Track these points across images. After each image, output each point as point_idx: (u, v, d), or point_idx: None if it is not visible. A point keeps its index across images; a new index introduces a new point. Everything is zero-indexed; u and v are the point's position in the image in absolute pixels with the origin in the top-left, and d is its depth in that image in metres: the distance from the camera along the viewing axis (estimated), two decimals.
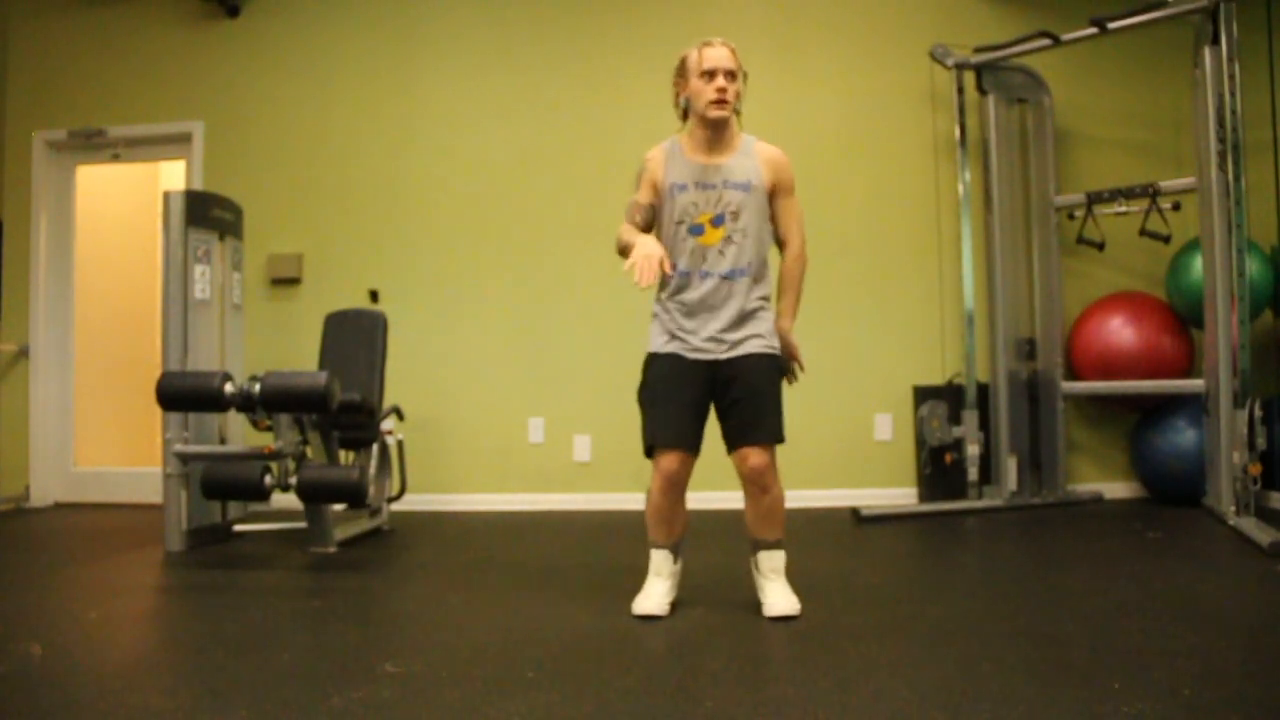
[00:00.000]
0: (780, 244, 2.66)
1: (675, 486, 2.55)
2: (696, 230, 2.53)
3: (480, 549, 3.81)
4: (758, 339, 2.55)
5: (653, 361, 2.60)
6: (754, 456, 2.50)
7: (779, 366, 2.61)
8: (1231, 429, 3.83)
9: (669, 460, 2.52)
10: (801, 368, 2.70)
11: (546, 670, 2.13)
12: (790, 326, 2.68)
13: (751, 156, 2.57)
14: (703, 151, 2.56)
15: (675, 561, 2.66)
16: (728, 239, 2.52)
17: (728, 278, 2.52)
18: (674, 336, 2.56)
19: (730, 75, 2.50)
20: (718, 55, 2.49)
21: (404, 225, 5.00)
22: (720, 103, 2.48)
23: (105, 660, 2.33)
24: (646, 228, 2.58)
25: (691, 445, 2.54)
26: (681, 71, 2.56)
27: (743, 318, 2.54)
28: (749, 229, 2.53)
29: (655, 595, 2.60)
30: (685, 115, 2.59)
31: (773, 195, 2.59)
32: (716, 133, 2.54)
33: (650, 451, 2.56)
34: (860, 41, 4.89)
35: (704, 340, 2.53)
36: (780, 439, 2.56)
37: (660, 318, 2.61)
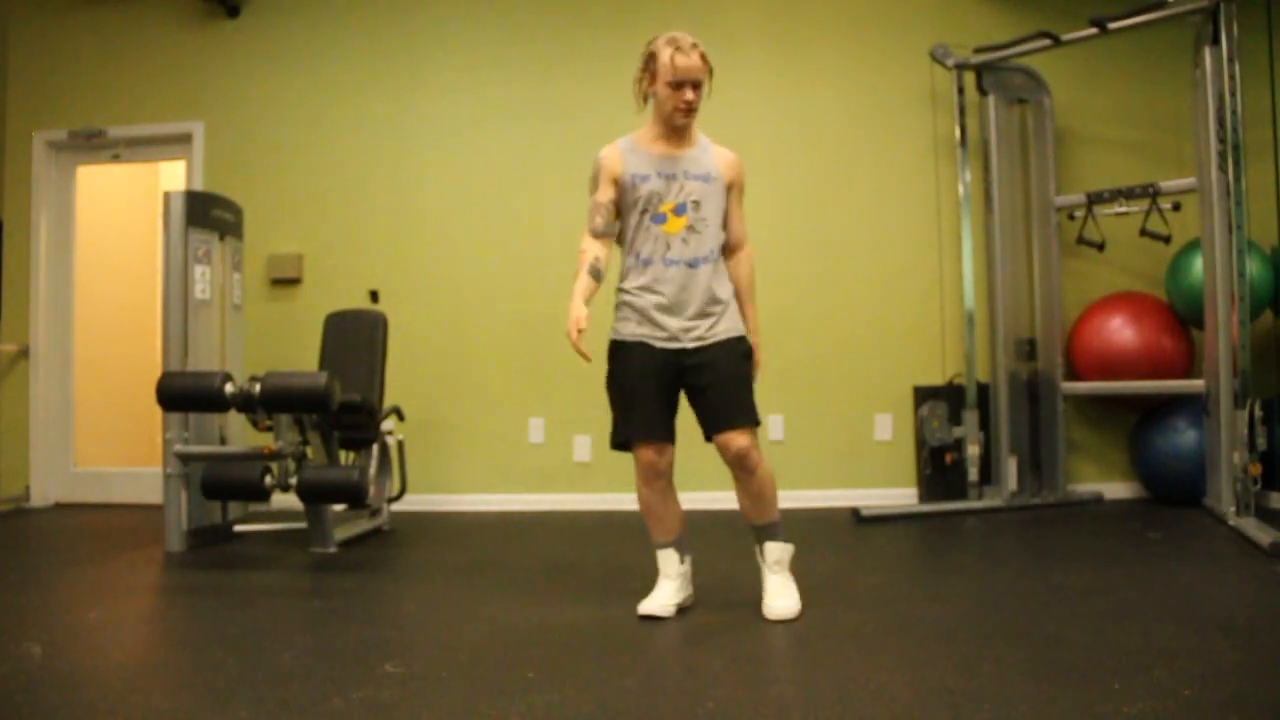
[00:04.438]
0: (729, 245, 2.65)
1: (658, 477, 2.56)
2: (659, 219, 2.55)
3: (480, 549, 3.82)
4: (727, 323, 2.57)
5: (618, 350, 2.60)
6: (737, 440, 2.49)
7: (748, 351, 2.61)
8: (1232, 429, 3.83)
9: (646, 453, 2.54)
10: (759, 370, 2.66)
11: (546, 670, 2.13)
12: (756, 328, 2.68)
13: (709, 152, 2.62)
14: (661, 144, 2.59)
15: (682, 561, 2.65)
16: (690, 228, 2.54)
17: (691, 265, 2.54)
18: (642, 323, 2.56)
19: (696, 86, 2.51)
20: (688, 66, 2.47)
21: (404, 225, 5.00)
22: (687, 113, 2.52)
23: (105, 660, 2.33)
24: (609, 226, 2.59)
25: (666, 435, 2.55)
26: (649, 67, 2.53)
27: (711, 305, 2.55)
28: (709, 219, 2.56)
29: (660, 596, 2.60)
30: (645, 101, 2.58)
31: (726, 193, 2.62)
32: (677, 130, 2.58)
33: (624, 446, 2.58)
34: (860, 41, 4.89)
35: (674, 329, 2.54)
36: (757, 421, 2.55)
37: (627, 305, 2.60)
